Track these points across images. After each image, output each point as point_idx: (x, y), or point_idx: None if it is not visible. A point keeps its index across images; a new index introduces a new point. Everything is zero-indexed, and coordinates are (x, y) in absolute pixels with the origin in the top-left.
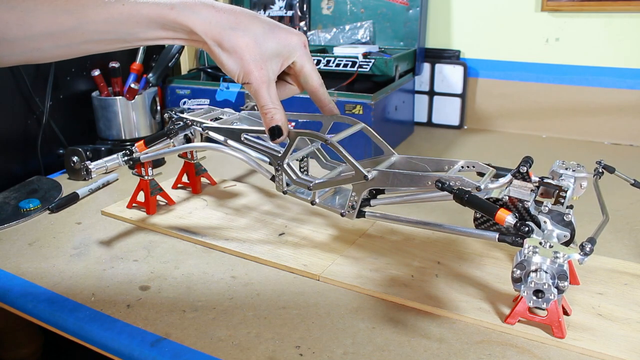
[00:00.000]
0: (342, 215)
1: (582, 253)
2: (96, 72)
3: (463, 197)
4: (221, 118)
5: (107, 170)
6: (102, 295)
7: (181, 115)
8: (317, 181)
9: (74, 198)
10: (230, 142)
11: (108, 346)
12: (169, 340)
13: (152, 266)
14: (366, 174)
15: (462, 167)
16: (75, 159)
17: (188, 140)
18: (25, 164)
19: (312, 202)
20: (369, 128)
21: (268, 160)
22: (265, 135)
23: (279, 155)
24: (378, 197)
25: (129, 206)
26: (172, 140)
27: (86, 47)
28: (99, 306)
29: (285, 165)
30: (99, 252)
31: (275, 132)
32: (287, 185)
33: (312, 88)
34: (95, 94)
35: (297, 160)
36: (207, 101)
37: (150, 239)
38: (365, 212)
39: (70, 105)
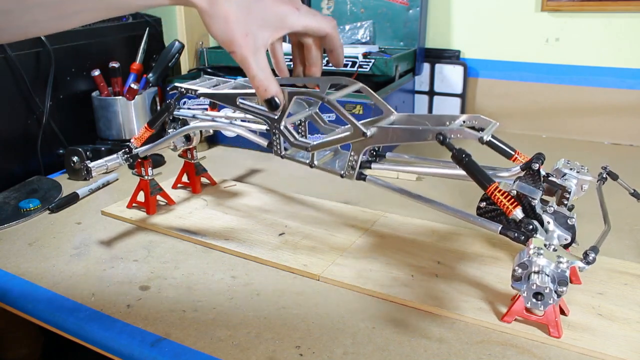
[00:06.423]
0: (341, 176)
1: (584, 261)
2: (96, 72)
3: (462, 159)
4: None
5: (107, 170)
6: (102, 295)
7: (176, 84)
8: (315, 142)
9: (74, 198)
10: (225, 110)
11: (108, 346)
12: (169, 340)
13: (152, 266)
14: (365, 130)
15: (464, 121)
16: (75, 159)
17: (188, 139)
18: (25, 164)
19: (311, 165)
20: (367, 88)
21: (265, 126)
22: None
23: (276, 118)
24: (379, 161)
25: (129, 206)
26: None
27: (80, 17)
28: (99, 306)
29: (282, 128)
30: (99, 252)
31: (272, 104)
32: (285, 149)
33: (326, 34)
34: (95, 94)
35: (295, 124)
36: (207, 101)
37: (150, 239)
38: (366, 175)
39: (70, 105)
